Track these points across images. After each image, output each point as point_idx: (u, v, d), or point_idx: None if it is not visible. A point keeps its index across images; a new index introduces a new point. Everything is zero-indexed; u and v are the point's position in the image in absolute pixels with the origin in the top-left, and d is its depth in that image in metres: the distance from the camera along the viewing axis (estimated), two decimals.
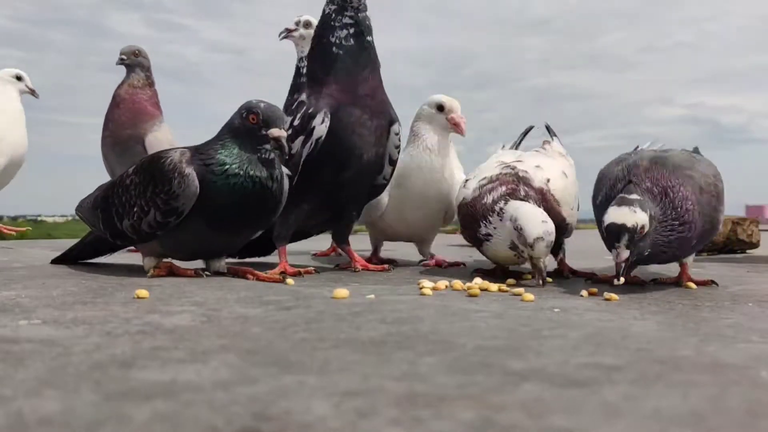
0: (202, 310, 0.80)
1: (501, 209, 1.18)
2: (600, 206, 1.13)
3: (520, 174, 1.24)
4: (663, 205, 1.04)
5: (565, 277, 1.32)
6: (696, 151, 1.35)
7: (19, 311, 0.78)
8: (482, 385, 0.48)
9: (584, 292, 1.02)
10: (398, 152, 1.41)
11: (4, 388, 0.45)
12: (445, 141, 1.53)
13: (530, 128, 1.61)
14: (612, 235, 0.99)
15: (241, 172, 1.12)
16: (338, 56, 1.31)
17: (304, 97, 1.34)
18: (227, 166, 1.12)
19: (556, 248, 1.31)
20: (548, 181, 1.26)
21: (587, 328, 0.72)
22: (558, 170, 1.32)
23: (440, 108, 1.51)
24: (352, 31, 1.31)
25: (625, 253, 0.99)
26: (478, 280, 1.13)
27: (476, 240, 1.25)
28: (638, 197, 1.03)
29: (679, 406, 0.43)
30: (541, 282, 1.11)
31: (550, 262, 1.23)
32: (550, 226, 1.12)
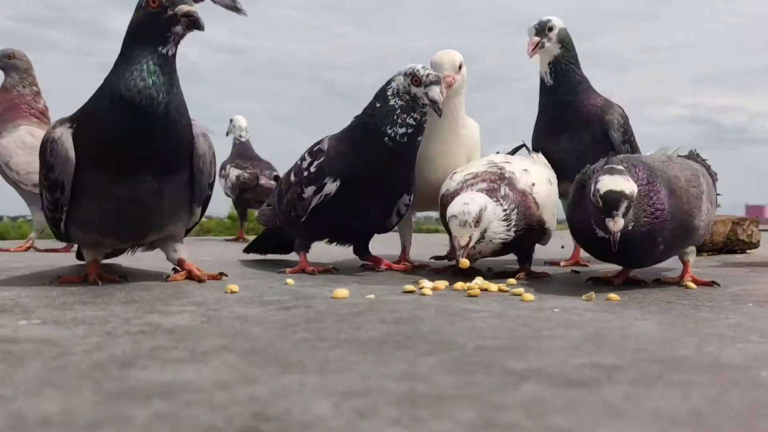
0: (202, 310, 0.80)
1: None
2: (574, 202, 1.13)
3: (506, 174, 1.25)
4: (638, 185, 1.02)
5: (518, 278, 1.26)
6: (692, 153, 1.35)
7: (19, 311, 0.78)
8: (482, 385, 0.48)
9: (585, 296, 1.02)
10: (406, 209, 1.41)
11: (4, 388, 0.45)
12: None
13: (522, 145, 1.61)
14: (610, 203, 0.96)
15: (127, 86, 0.97)
16: (386, 147, 1.27)
17: (326, 145, 1.35)
18: (125, 79, 0.97)
19: (524, 255, 1.32)
20: (533, 185, 1.25)
21: (587, 328, 0.72)
22: (544, 176, 1.33)
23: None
24: (410, 131, 1.27)
25: (621, 222, 0.96)
26: (479, 280, 1.12)
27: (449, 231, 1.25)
28: (624, 167, 1.02)
29: (679, 406, 0.43)
30: (456, 261, 1.13)
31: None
32: (471, 207, 1.12)
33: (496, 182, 1.23)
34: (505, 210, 1.18)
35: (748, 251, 2.37)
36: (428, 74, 1.26)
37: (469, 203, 1.13)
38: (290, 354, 0.57)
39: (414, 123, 1.27)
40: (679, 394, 0.46)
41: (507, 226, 1.18)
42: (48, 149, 1.00)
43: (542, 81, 1.55)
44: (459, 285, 1.07)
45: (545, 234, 1.31)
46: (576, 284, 1.20)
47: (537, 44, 1.49)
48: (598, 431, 0.38)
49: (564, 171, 1.44)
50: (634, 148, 1.52)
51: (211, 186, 1.14)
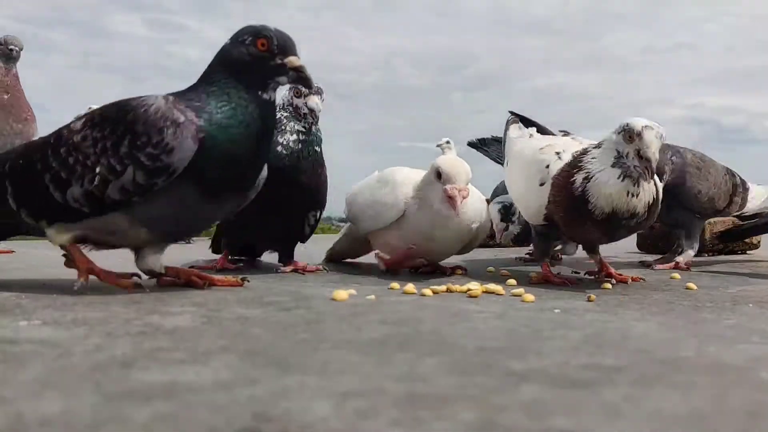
0: (203, 311, 0.80)
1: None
2: None
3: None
4: None
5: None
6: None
7: (19, 312, 0.78)
8: (483, 385, 0.48)
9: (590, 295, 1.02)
10: (315, 224, 1.43)
11: (5, 390, 0.45)
12: (444, 216, 1.27)
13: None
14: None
15: (245, 119, 0.93)
16: (282, 157, 1.29)
17: None
18: (225, 112, 0.92)
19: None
20: None
21: (588, 329, 0.72)
22: None
23: (438, 175, 1.25)
24: (302, 138, 1.32)
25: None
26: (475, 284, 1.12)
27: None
28: None
29: (679, 407, 0.43)
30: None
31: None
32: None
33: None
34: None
35: (748, 252, 2.37)
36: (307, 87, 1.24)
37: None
38: (291, 355, 0.57)
39: (303, 131, 1.32)
40: (679, 395, 0.46)
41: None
42: (169, 130, 0.89)
43: None
44: (458, 287, 1.07)
45: None
46: (576, 285, 1.20)
47: (503, 231, 1.79)
48: None
49: None
50: None
51: None
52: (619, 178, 1.10)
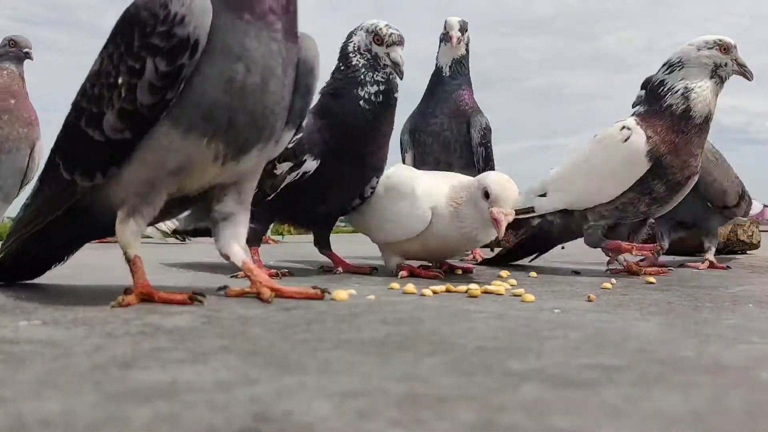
0: (203, 311, 0.80)
1: None
2: None
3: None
4: None
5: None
6: None
7: (19, 312, 0.78)
8: (483, 385, 0.48)
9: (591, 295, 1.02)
10: (371, 192, 1.37)
11: (5, 390, 0.45)
12: (487, 230, 1.26)
13: None
14: None
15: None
16: (363, 111, 1.23)
17: (309, 121, 1.23)
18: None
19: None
20: None
21: (587, 329, 0.72)
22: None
23: (486, 194, 1.20)
24: (383, 89, 1.23)
25: None
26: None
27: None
28: None
29: (679, 407, 0.43)
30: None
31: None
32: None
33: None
34: None
35: (748, 252, 2.37)
36: (391, 33, 1.22)
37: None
38: (291, 355, 0.57)
39: (383, 81, 1.23)
40: (679, 395, 0.46)
41: None
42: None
43: (440, 70, 1.84)
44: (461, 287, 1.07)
45: None
46: (576, 285, 1.20)
47: (459, 40, 1.79)
48: None
49: (425, 152, 1.81)
50: (488, 155, 1.81)
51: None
52: (717, 84, 1.42)
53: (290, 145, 1.17)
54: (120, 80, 0.80)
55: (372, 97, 1.22)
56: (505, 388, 0.47)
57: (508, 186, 1.21)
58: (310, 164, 1.23)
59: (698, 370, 0.54)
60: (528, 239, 1.62)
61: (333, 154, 1.24)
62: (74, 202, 0.88)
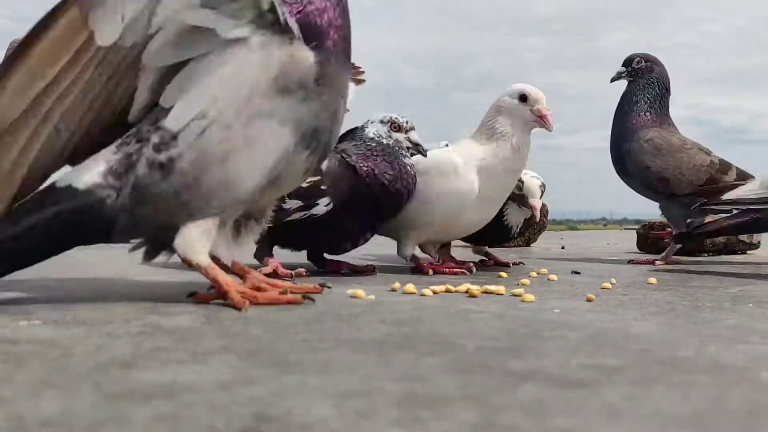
0: (203, 311, 0.80)
1: None
2: None
3: None
4: None
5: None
6: None
7: (19, 312, 0.78)
8: (483, 385, 0.48)
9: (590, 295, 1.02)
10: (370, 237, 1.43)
11: (4, 390, 0.45)
12: (527, 138, 1.40)
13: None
14: None
15: None
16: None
17: (333, 165, 1.25)
18: None
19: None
20: None
21: (587, 329, 0.72)
22: None
23: (523, 99, 1.37)
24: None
25: None
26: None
27: None
28: None
29: (679, 407, 0.43)
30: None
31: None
32: None
33: None
34: None
35: (748, 252, 2.37)
36: (407, 120, 1.31)
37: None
38: (291, 355, 0.57)
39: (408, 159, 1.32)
40: (679, 395, 0.46)
41: None
42: None
43: None
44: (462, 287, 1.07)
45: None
46: (576, 285, 1.20)
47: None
48: None
49: None
50: None
51: None
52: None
53: (305, 184, 1.16)
54: None
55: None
56: (505, 388, 0.47)
57: (536, 88, 1.36)
58: (321, 209, 1.23)
59: (698, 370, 0.54)
60: (746, 223, 1.61)
61: (347, 206, 1.24)
62: None
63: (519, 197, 1.52)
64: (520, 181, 1.48)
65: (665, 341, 0.67)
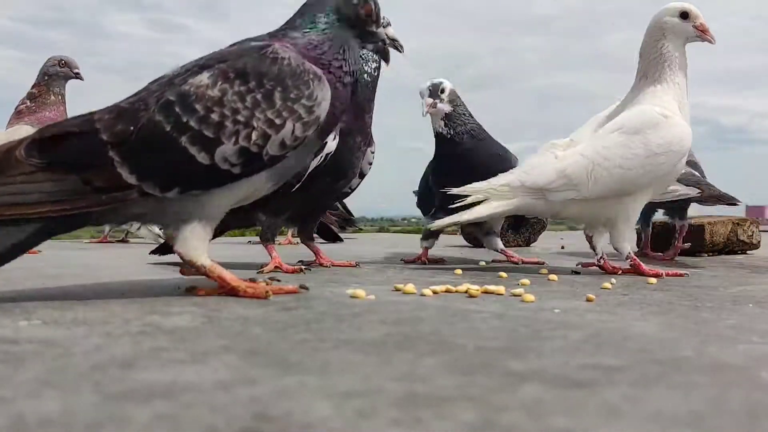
0: (203, 311, 0.80)
1: None
2: None
3: None
4: None
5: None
6: None
7: (19, 312, 0.78)
8: (483, 385, 0.48)
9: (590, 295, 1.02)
10: (369, 168, 1.58)
11: (5, 389, 0.45)
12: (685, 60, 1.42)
13: None
14: None
15: (356, 70, 0.99)
16: (367, 84, 1.42)
17: None
18: (341, 64, 0.96)
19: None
20: None
21: (588, 329, 0.72)
22: None
23: (684, 16, 1.39)
24: (377, 65, 1.44)
25: None
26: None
27: None
28: None
29: (679, 407, 0.43)
30: None
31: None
32: None
33: None
34: None
35: (748, 252, 2.37)
36: (383, 17, 1.39)
37: None
38: (291, 355, 0.57)
39: (377, 60, 1.44)
40: (679, 395, 0.46)
41: None
42: (314, 81, 0.91)
43: (439, 134, 1.69)
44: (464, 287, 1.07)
45: None
46: (576, 285, 1.20)
47: (431, 105, 1.66)
48: None
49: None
50: None
51: None
52: None
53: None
54: (256, 124, 0.88)
55: (373, 72, 1.43)
56: (505, 388, 0.47)
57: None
58: (332, 144, 1.36)
59: (698, 370, 0.54)
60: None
61: (346, 130, 1.39)
62: (106, 203, 0.86)
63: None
64: None
65: (665, 341, 0.67)
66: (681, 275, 1.37)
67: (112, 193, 0.86)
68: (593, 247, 1.44)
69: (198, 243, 0.91)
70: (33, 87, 2.21)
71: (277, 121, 0.88)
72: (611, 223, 1.40)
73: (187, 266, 0.97)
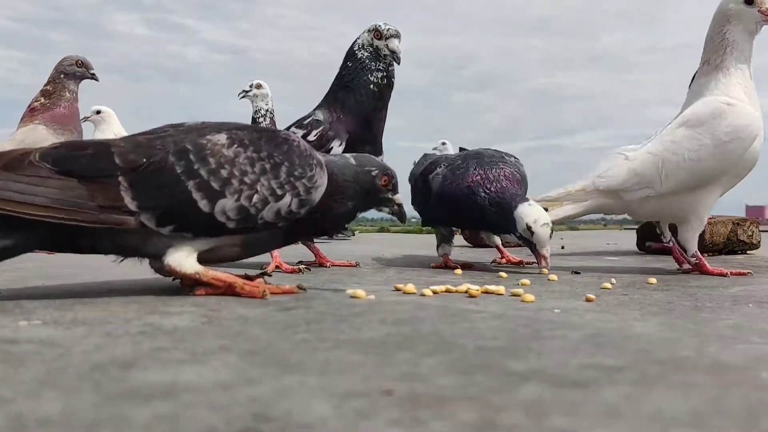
0: (203, 311, 0.80)
1: None
2: None
3: None
4: None
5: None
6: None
7: (19, 312, 0.78)
8: (483, 385, 0.48)
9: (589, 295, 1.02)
10: None
11: (4, 389, 0.45)
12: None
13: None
14: None
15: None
16: (373, 94, 1.45)
17: (320, 116, 1.47)
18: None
19: None
20: None
21: (588, 329, 0.72)
22: None
23: (749, 1, 1.38)
24: (386, 75, 1.47)
25: None
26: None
27: None
28: None
29: (679, 407, 0.43)
30: None
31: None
32: None
33: None
34: None
35: (748, 252, 2.37)
36: (388, 28, 1.45)
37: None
38: (291, 355, 0.57)
39: (383, 69, 1.46)
40: (679, 395, 0.46)
41: None
42: (315, 167, 0.99)
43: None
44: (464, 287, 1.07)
45: None
46: (576, 285, 1.20)
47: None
48: None
49: None
50: None
51: None
52: None
53: (313, 139, 1.40)
54: (259, 188, 0.94)
55: (379, 81, 1.45)
56: (505, 388, 0.47)
57: None
58: (337, 150, 1.39)
59: (698, 370, 0.54)
60: None
61: (354, 137, 1.43)
62: (104, 222, 0.89)
63: (528, 243, 1.41)
64: (530, 229, 1.37)
65: (665, 341, 0.67)
66: (744, 274, 1.40)
67: (111, 214, 0.89)
68: (684, 248, 1.47)
69: (183, 255, 0.94)
70: (47, 84, 2.22)
71: (279, 192, 0.95)
72: (683, 218, 1.42)
73: (185, 284, 0.99)
